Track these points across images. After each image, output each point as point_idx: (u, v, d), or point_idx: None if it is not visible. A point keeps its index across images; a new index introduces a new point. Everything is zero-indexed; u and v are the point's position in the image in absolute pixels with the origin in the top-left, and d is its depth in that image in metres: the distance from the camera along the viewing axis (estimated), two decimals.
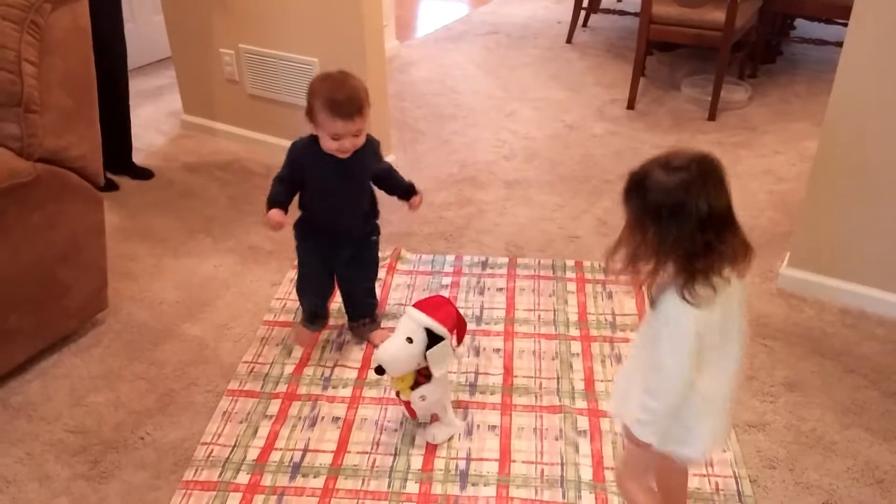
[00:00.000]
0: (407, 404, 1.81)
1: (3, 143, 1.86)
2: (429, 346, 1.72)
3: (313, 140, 1.88)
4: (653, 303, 1.24)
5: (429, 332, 1.73)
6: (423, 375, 1.77)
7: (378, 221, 2.12)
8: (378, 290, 2.26)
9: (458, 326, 1.83)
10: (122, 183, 3.06)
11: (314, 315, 2.15)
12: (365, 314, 2.18)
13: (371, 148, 1.93)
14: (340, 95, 1.78)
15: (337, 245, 2.04)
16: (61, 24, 1.91)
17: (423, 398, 1.78)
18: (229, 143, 3.31)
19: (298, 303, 2.21)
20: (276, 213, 1.90)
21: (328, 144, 1.84)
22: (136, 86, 3.35)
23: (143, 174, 3.12)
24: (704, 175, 1.16)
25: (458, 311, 1.82)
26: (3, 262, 1.90)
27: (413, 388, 1.78)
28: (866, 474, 1.78)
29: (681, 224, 1.15)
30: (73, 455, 1.84)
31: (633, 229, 1.21)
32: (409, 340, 1.72)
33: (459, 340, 1.88)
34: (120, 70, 2.94)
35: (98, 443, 1.88)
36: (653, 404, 1.26)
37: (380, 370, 1.73)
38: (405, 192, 2.10)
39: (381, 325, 2.23)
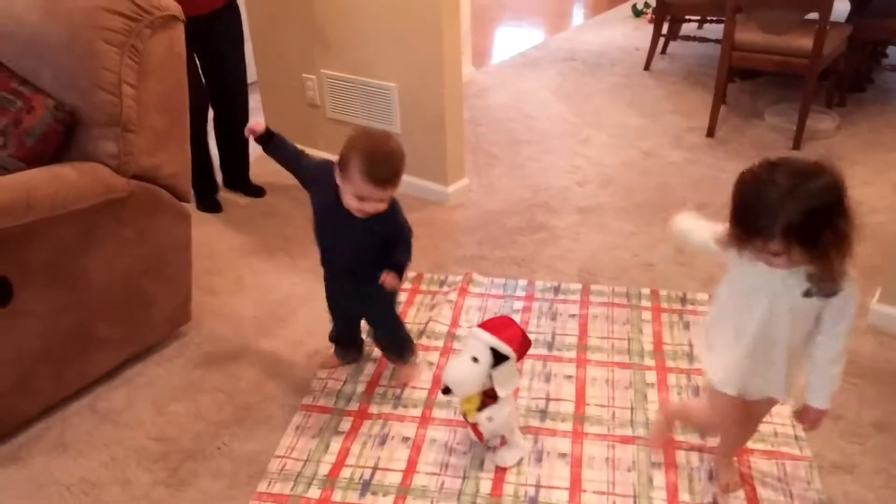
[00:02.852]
0: (474, 426, 1.81)
1: (101, 160, 1.96)
2: (494, 366, 1.72)
3: (333, 176, 1.79)
4: (828, 294, 1.37)
5: (494, 352, 1.73)
6: (489, 396, 1.77)
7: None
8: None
9: (523, 346, 1.81)
10: (236, 199, 3.19)
11: (340, 341, 2.17)
12: (391, 354, 2.15)
13: (388, 212, 1.80)
14: (380, 158, 1.69)
15: (343, 275, 1.99)
16: (159, 49, 2.01)
17: (490, 419, 1.78)
18: None
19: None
20: (258, 123, 1.93)
21: (350, 202, 1.75)
22: None
23: (258, 192, 3.25)
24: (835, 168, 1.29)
25: (523, 331, 1.81)
26: (95, 273, 2.00)
27: (479, 409, 1.77)
28: None
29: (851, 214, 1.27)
30: (154, 462, 1.91)
31: (813, 243, 1.27)
32: (475, 360, 1.72)
33: (520, 358, 1.84)
34: (240, 92, 3.08)
35: (177, 451, 1.94)
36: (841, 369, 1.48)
37: (446, 391, 1.73)
38: (391, 264, 1.85)
39: (453, 347, 2.24)
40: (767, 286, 1.41)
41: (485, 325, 1.78)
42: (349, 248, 1.91)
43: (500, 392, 1.74)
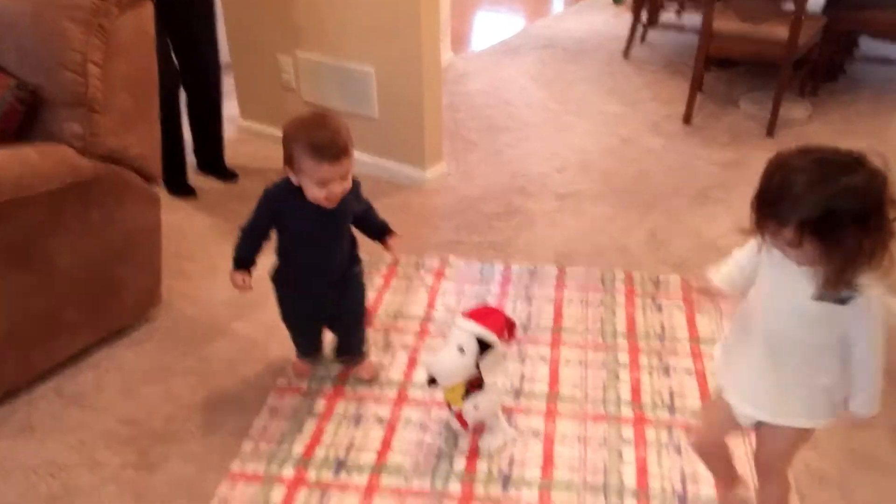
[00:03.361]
0: (458, 414, 1.79)
1: (66, 142, 1.93)
2: (480, 355, 1.71)
3: (290, 184, 1.72)
4: (843, 300, 1.22)
5: (479, 340, 1.71)
6: (473, 385, 1.76)
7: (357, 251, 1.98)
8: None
9: (508, 328, 1.81)
10: (207, 183, 3.15)
11: (309, 353, 2.09)
12: (353, 350, 2.08)
13: (354, 190, 1.78)
14: (323, 136, 1.63)
15: (323, 288, 1.91)
16: (127, 28, 1.97)
17: (476, 407, 1.76)
18: None
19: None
20: (239, 277, 1.81)
21: (315, 193, 1.67)
22: None
23: (231, 176, 3.21)
24: (877, 168, 1.16)
25: (505, 315, 1.80)
26: (61, 256, 1.97)
27: (464, 397, 1.76)
28: None
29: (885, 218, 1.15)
30: (124, 444, 1.88)
31: (829, 242, 1.15)
32: (461, 350, 1.70)
33: (511, 337, 1.83)
34: (213, 74, 3.03)
35: (148, 433, 1.92)
36: (881, 378, 1.31)
37: (432, 381, 1.72)
38: (381, 232, 1.94)
39: (429, 330, 2.24)
40: (783, 285, 1.29)
41: (469, 314, 1.77)
42: (335, 247, 1.86)
43: (488, 380, 1.73)
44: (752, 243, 1.37)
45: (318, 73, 3.19)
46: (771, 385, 1.36)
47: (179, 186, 3.06)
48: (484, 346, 1.72)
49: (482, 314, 1.77)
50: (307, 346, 2.08)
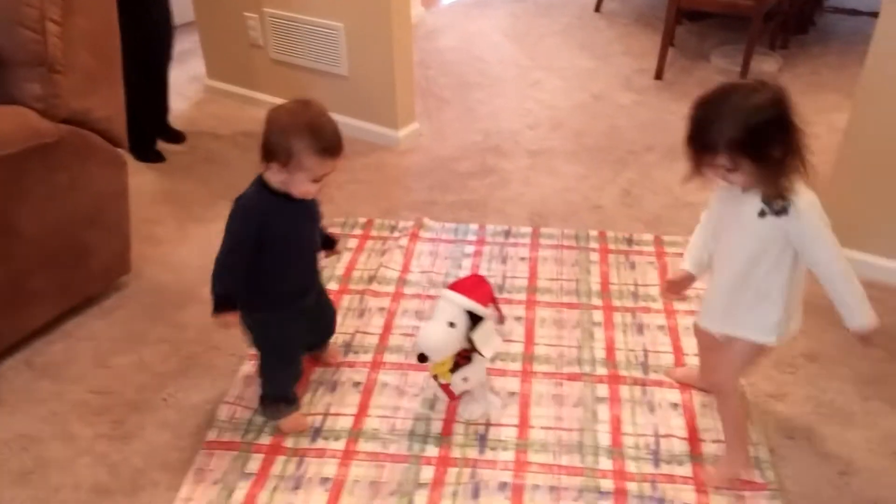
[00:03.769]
0: (445, 386, 1.77)
1: (27, 104, 1.86)
2: (471, 328, 1.68)
3: (265, 186, 1.58)
4: (778, 211, 1.38)
5: (469, 313, 1.68)
6: (462, 357, 1.73)
7: None
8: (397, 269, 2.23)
9: (494, 303, 1.79)
10: (172, 147, 3.07)
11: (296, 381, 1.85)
12: (327, 338, 1.96)
13: None
14: (329, 132, 1.52)
15: (313, 298, 1.79)
16: None
17: (465, 380, 1.74)
18: (252, 109, 3.29)
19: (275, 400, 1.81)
20: (228, 320, 1.58)
21: (306, 188, 1.55)
22: None
23: (177, 137, 3.12)
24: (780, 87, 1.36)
25: (491, 287, 1.77)
26: (26, 222, 1.91)
27: (452, 370, 1.74)
28: (884, 445, 1.76)
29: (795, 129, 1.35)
30: (97, 415, 1.86)
31: (758, 156, 1.33)
32: (452, 325, 1.66)
33: (501, 317, 1.83)
34: (167, 32, 2.93)
35: (121, 403, 1.90)
36: (857, 285, 1.44)
37: (422, 358, 1.68)
38: (326, 239, 1.82)
39: (404, 292, 2.23)
40: (733, 215, 1.45)
41: (456, 287, 1.72)
42: (318, 248, 1.76)
43: (486, 353, 1.70)
44: (707, 214, 1.60)
45: (285, 30, 3.11)
46: (725, 301, 1.54)
47: (148, 152, 2.98)
48: (474, 319, 1.69)
49: (470, 286, 1.73)
50: (298, 375, 1.84)
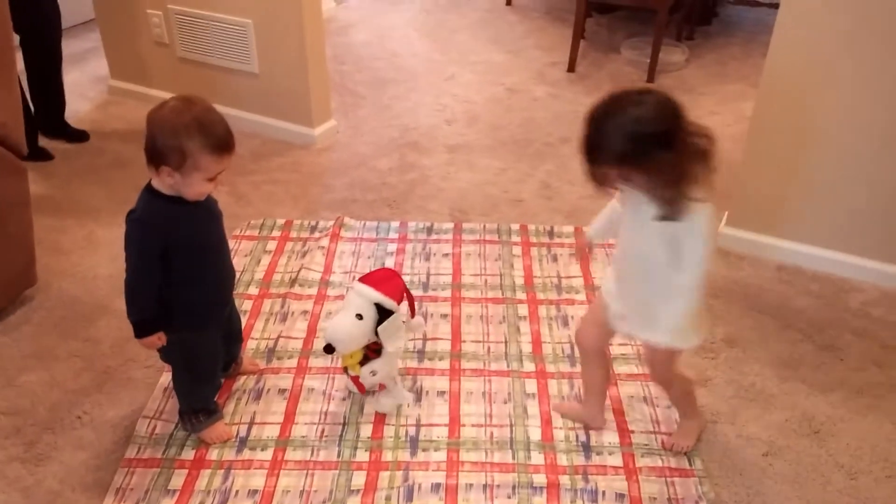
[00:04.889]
0: (355, 379, 1.78)
1: None
2: (379, 321, 1.69)
3: (158, 196, 1.49)
4: (672, 217, 1.35)
5: (378, 306, 1.69)
6: (371, 350, 1.74)
7: None
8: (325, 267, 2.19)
9: (408, 298, 1.80)
10: (56, 148, 2.91)
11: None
12: (236, 356, 1.89)
13: None
14: (220, 129, 1.43)
15: (229, 307, 1.74)
16: None
17: (373, 373, 1.75)
18: None
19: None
20: (154, 340, 1.56)
21: (203, 188, 1.47)
22: None
23: (79, 136, 2.98)
24: (665, 95, 1.32)
25: (404, 282, 1.79)
26: None
27: (362, 363, 1.74)
28: (804, 425, 1.84)
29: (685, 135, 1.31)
30: (7, 437, 1.76)
31: (645, 167, 1.31)
32: (360, 317, 1.67)
33: (413, 311, 1.85)
34: (51, 26, 2.78)
35: (33, 424, 1.80)
36: (691, 308, 1.43)
37: (329, 349, 1.68)
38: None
39: (327, 294, 2.20)
40: (635, 217, 1.45)
41: (366, 280, 1.73)
42: (227, 247, 1.66)
43: (389, 347, 1.71)
44: (615, 203, 1.58)
45: (191, 27, 3.01)
46: (635, 303, 1.53)
47: (31, 149, 2.81)
48: (383, 313, 1.69)
49: (380, 279, 1.74)
50: (217, 387, 1.80)
